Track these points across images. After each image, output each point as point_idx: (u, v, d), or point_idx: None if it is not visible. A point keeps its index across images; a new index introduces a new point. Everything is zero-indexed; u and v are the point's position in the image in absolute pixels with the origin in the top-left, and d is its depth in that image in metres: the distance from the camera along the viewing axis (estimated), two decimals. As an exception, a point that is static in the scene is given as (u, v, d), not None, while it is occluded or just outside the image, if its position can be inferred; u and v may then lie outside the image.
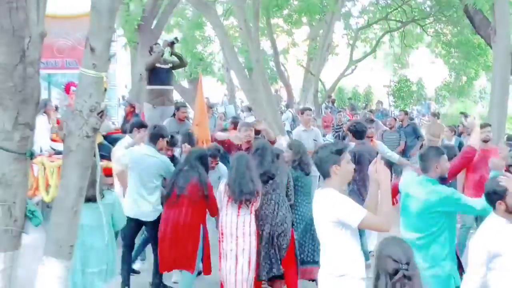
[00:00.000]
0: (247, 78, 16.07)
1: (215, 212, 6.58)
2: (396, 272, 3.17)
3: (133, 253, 7.48)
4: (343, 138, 13.47)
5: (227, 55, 17.17)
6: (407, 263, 3.18)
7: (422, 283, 3.25)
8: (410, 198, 5.14)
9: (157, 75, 10.70)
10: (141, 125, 7.87)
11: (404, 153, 13.00)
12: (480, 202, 4.76)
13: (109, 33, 3.40)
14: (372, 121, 9.24)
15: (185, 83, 24.82)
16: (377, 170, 4.17)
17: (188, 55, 22.58)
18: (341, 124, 15.81)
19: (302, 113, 11.22)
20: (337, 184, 4.19)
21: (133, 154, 7.09)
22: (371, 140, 8.83)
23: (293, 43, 29.17)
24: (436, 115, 16.89)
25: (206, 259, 6.66)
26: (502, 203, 4.25)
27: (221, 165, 7.96)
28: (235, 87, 26.79)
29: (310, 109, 11.79)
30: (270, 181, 6.34)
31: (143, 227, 7.36)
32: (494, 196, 4.28)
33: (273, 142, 7.83)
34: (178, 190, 6.49)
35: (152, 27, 16.93)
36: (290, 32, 27.65)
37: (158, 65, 10.70)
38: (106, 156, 8.52)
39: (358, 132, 8.35)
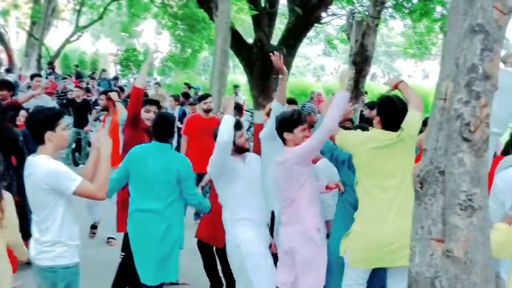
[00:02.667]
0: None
1: None
2: None
3: None
4: (68, 105, 13.14)
5: None
6: None
7: None
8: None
9: None
10: None
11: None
12: None
13: None
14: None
15: None
16: (98, 138, 4.15)
17: None
18: (66, 91, 15.33)
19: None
20: (52, 151, 4.05)
21: None
22: None
23: (15, 5, 27.28)
24: (158, 83, 17.28)
25: None
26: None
27: None
28: None
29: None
30: None
31: None
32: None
33: None
34: None
35: None
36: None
37: None
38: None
39: None
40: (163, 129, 5.28)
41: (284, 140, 5.03)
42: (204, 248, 6.28)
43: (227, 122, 4.94)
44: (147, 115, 5.87)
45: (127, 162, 5.31)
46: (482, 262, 2.96)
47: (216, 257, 6.23)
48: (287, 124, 4.99)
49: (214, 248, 6.20)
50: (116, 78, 22.87)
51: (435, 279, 2.97)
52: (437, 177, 3.02)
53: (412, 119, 4.55)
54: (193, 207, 5.73)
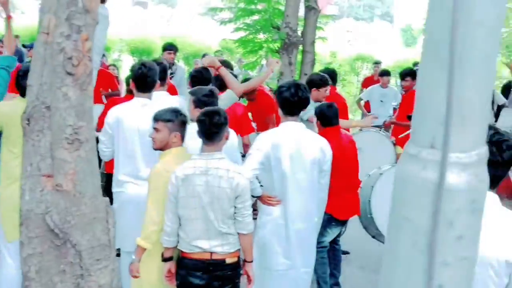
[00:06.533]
0: None
1: None
2: None
3: None
4: None
5: None
6: None
7: None
8: None
9: None
10: None
11: None
12: None
13: None
14: None
15: None
16: None
17: None
18: None
19: None
20: None
21: None
22: None
23: None
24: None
25: None
26: None
27: None
28: None
29: None
30: None
31: None
32: None
33: None
34: None
35: None
36: None
37: None
38: None
39: None
40: None
41: None
42: None
43: None
44: None
45: None
46: (91, 193, 3.05)
47: None
48: None
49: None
50: None
51: (46, 214, 2.96)
52: (44, 112, 2.98)
53: None
54: None
